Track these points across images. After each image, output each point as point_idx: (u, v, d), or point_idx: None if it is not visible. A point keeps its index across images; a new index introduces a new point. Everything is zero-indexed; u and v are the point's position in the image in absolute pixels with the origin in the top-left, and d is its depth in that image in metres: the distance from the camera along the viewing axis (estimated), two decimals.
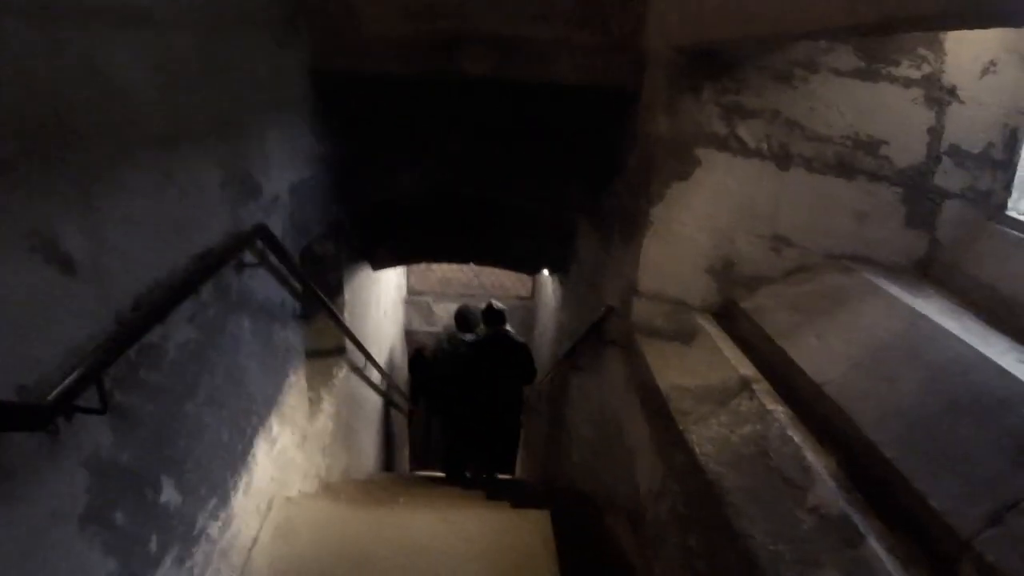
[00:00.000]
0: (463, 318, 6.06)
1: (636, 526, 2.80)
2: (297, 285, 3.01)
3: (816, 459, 1.85)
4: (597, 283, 4.12)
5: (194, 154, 1.99)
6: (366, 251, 5.10)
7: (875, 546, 1.52)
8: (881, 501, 1.66)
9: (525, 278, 9.08)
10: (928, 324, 2.03)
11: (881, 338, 2.13)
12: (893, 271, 2.68)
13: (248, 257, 2.41)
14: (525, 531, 2.72)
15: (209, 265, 2.01)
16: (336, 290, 4.12)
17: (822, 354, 2.23)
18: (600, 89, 3.20)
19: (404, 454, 8.70)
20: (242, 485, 2.44)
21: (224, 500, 2.28)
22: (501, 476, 6.98)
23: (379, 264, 5.62)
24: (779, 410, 2.15)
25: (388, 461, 7.30)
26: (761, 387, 2.30)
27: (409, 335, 9.02)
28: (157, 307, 1.69)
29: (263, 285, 2.62)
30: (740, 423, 2.17)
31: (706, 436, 2.20)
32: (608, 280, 3.75)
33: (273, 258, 2.65)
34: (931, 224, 2.75)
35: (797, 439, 1.95)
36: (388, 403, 6.94)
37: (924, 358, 1.92)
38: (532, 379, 5.84)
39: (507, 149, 3.85)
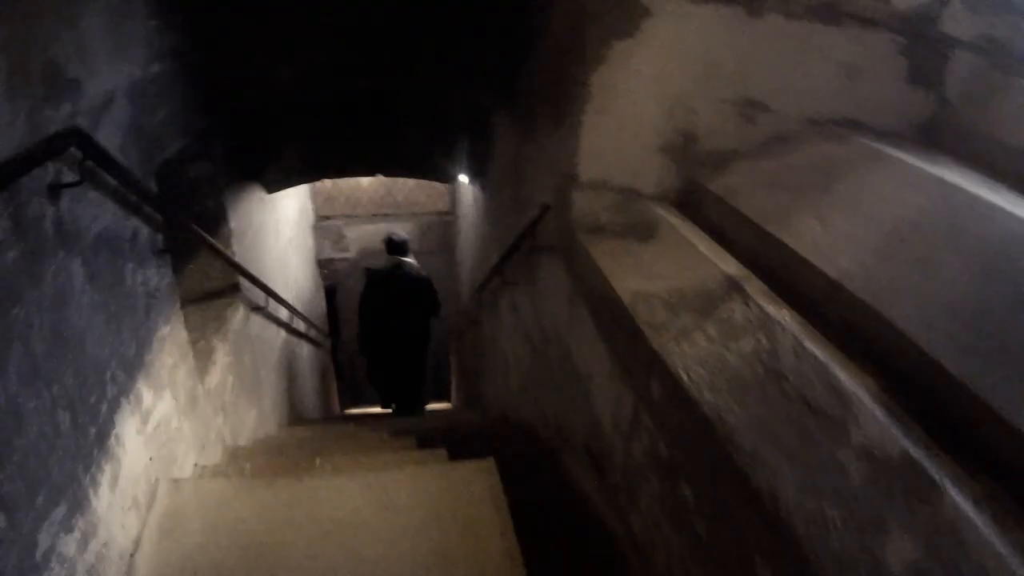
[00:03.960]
0: (391, 244, 5.76)
1: (601, 469, 2.39)
2: (153, 212, 2.34)
3: (850, 379, 1.38)
4: (522, 182, 3.54)
5: None
6: (255, 171, 4.35)
7: (956, 499, 1.10)
8: (946, 432, 1.24)
9: (443, 190, 8.39)
10: (964, 196, 1.61)
11: (905, 216, 1.68)
12: (892, 137, 2.22)
13: (66, 175, 1.75)
14: (467, 488, 2.26)
15: None
16: (218, 218, 3.43)
17: (830, 240, 1.76)
18: None
19: (334, 394, 8.18)
20: (105, 479, 1.87)
21: (78, 504, 1.71)
22: (434, 407, 6.81)
23: (273, 186, 4.86)
24: (785, 316, 1.66)
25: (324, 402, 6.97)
26: (754, 287, 1.81)
27: (321, 264, 8.29)
28: None
29: (99, 214, 1.96)
30: (736, 336, 1.68)
31: (692, 356, 1.70)
32: (537, 175, 3.19)
33: (109, 178, 1.98)
34: (939, 80, 2.29)
35: (820, 354, 1.47)
36: (308, 341, 6.33)
37: (969, 238, 1.50)
38: (436, 312, 5.79)
39: (401, 22, 3.10)
